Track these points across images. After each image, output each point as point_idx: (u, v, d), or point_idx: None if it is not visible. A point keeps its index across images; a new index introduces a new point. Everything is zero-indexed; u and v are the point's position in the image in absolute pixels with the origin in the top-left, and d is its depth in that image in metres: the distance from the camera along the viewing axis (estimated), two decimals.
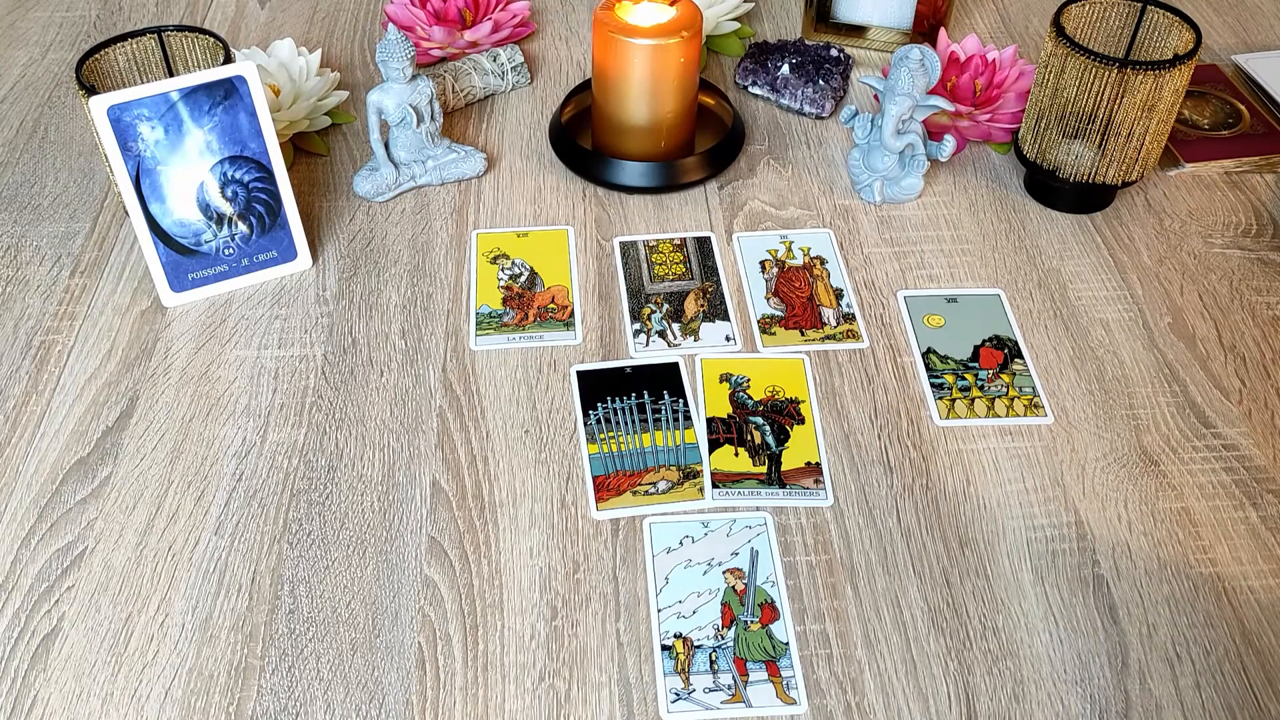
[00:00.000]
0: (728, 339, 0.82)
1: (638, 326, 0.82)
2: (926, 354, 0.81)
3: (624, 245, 0.89)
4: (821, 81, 1.02)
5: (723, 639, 0.64)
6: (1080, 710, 0.62)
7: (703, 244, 0.89)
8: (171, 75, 0.89)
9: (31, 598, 0.66)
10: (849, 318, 0.83)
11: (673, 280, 0.86)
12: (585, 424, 0.76)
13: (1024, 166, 0.93)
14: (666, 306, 0.84)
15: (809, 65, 1.03)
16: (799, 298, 0.85)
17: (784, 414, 0.76)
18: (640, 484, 0.72)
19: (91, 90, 0.79)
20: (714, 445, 0.75)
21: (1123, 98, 0.83)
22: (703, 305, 0.84)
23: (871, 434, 0.75)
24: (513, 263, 0.87)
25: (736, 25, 1.11)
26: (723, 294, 0.85)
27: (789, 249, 0.89)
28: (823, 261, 0.88)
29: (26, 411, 0.76)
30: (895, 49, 0.98)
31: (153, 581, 0.67)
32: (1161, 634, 0.65)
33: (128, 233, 0.90)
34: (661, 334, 0.82)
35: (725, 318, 0.83)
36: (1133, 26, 0.90)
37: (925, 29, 1.08)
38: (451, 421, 0.76)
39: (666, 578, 0.67)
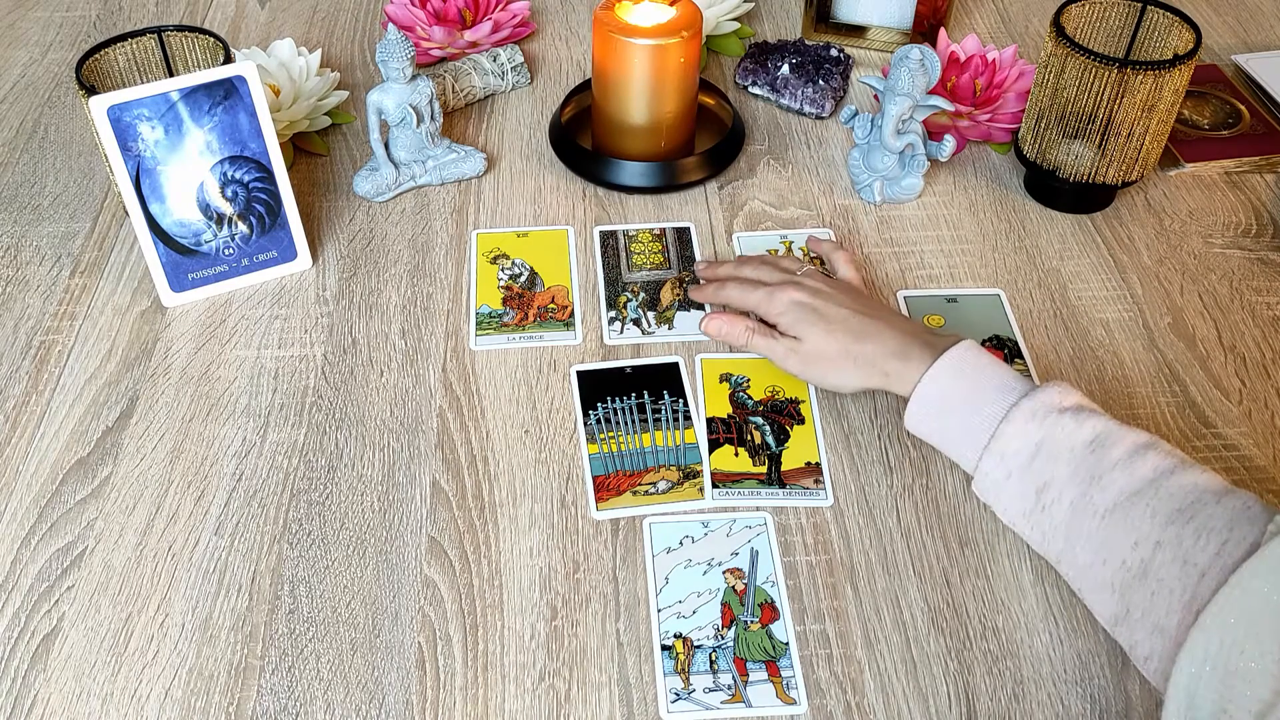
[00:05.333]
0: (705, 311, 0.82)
1: (613, 314, 0.83)
2: None
3: (604, 235, 0.89)
4: (821, 81, 1.02)
5: (723, 639, 0.64)
6: (1080, 710, 0.62)
7: (681, 234, 0.89)
8: (171, 75, 0.89)
9: (31, 598, 0.66)
10: None
11: (650, 270, 0.86)
12: (585, 424, 0.76)
13: (1024, 166, 0.93)
14: (643, 295, 0.84)
15: (809, 65, 1.03)
16: None
17: (784, 414, 0.76)
18: (640, 484, 0.72)
19: (91, 90, 0.79)
20: (714, 445, 0.75)
21: (1123, 98, 0.83)
22: (678, 294, 0.85)
23: (871, 434, 0.75)
24: (513, 263, 0.87)
25: (736, 25, 1.11)
26: (699, 283, 0.85)
27: (789, 249, 0.89)
28: (822, 261, 0.88)
29: (26, 411, 0.76)
30: (895, 49, 0.98)
31: (153, 581, 0.67)
32: None
33: (128, 233, 0.90)
34: (636, 322, 0.82)
35: (700, 307, 0.83)
36: (1133, 26, 0.90)
37: (925, 29, 1.08)
38: (451, 421, 0.76)
39: (666, 578, 0.67)
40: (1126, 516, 0.59)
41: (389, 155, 0.92)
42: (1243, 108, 1.02)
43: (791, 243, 0.89)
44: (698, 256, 0.88)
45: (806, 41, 1.08)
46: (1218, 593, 0.52)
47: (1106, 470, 0.60)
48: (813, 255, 0.87)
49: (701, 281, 0.84)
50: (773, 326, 0.76)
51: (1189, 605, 0.55)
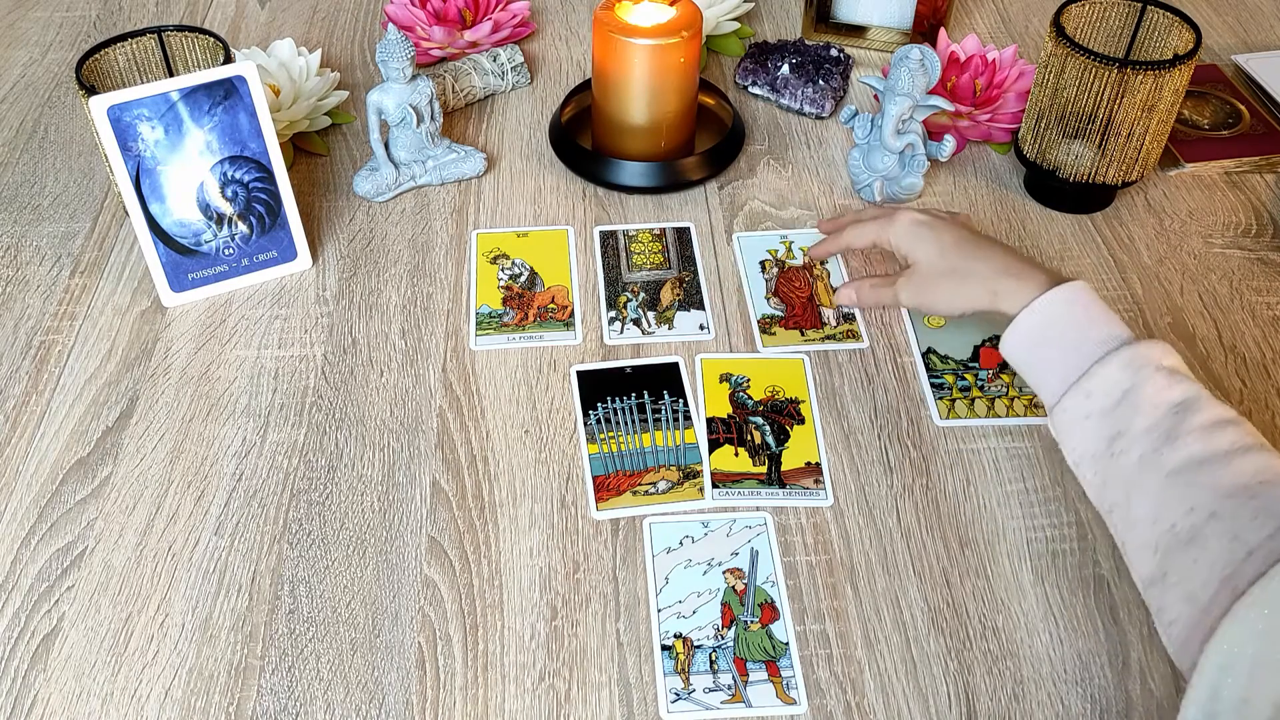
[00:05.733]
0: (701, 328, 0.82)
1: (613, 314, 0.83)
2: (926, 354, 0.81)
3: (604, 235, 0.89)
4: (821, 81, 1.02)
5: (723, 639, 0.64)
6: (1080, 710, 0.62)
7: (681, 234, 0.90)
8: (171, 75, 0.89)
9: (31, 598, 0.66)
10: (849, 317, 0.83)
11: (650, 270, 0.86)
12: (585, 424, 0.76)
13: (1024, 166, 0.93)
14: (643, 295, 0.84)
15: (809, 65, 1.03)
16: (799, 298, 0.85)
17: (784, 414, 0.76)
18: (640, 484, 0.72)
19: (91, 90, 0.79)
20: (714, 445, 0.75)
21: (1123, 98, 0.83)
22: (678, 294, 0.85)
23: (871, 434, 0.75)
24: (513, 263, 0.87)
25: (736, 25, 1.11)
26: (699, 283, 0.85)
27: (789, 249, 0.89)
28: (823, 261, 0.88)
29: (26, 411, 0.76)
30: (895, 49, 0.98)
31: (153, 581, 0.67)
32: None
33: (128, 233, 0.90)
34: (636, 322, 0.82)
35: (700, 307, 0.84)
36: (1133, 26, 0.90)
37: (925, 29, 1.08)
38: (451, 421, 0.76)
39: (666, 578, 0.67)
40: (1190, 480, 0.58)
41: (389, 155, 0.92)
42: (1243, 108, 1.02)
43: (791, 243, 0.89)
44: (698, 256, 0.88)
45: (806, 41, 1.08)
46: (1255, 583, 0.52)
47: (1184, 433, 0.60)
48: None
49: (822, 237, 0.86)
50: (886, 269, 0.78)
51: (1227, 580, 0.54)
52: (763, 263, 0.88)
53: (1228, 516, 0.56)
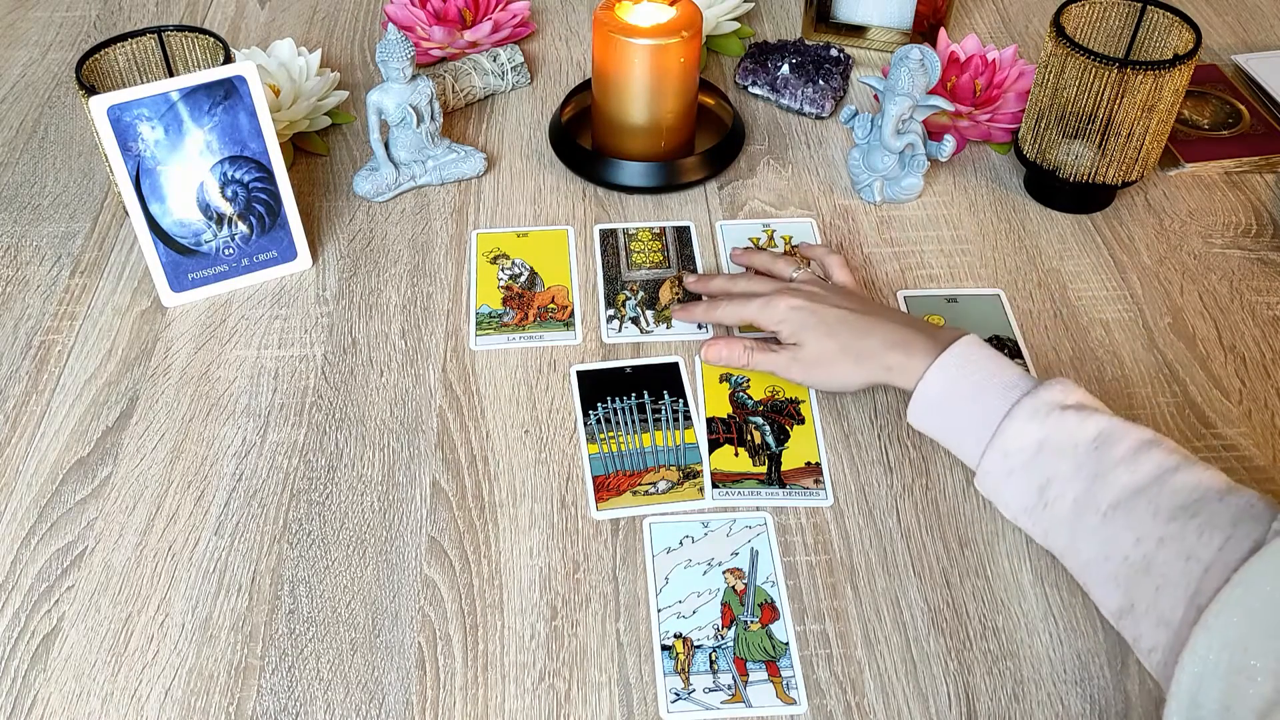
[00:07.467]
0: (701, 327, 0.82)
1: (611, 312, 0.83)
2: None
3: (604, 233, 0.89)
4: (821, 81, 1.02)
5: (723, 639, 0.64)
6: (1080, 710, 0.62)
7: (681, 233, 0.90)
8: (171, 75, 0.89)
9: (31, 598, 0.66)
10: None
11: (650, 268, 0.86)
12: (585, 424, 0.76)
13: (1024, 166, 0.93)
14: (641, 294, 0.84)
15: (809, 65, 1.03)
16: None
17: (784, 414, 0.76)
18: (640, 484, 0.72)
19: (91, 90, 0.79)
20: (714, 445, 0.75)
21: (1123, 98, 0.83)
22: (677, 293, 0.85)
23: (871, 434, 0.75)
24: (513, 263, 0.87)
25: (736, 25, 1.11)
26: None
27: (770, 237, 0.89)
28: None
29: (26, 411, 0.76)
30: (895, 49, 0.98)
31: (153, 581, 0.67)
32: None
33: (128, 233, 0.90)
34: (635, 320, 0.82)
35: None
36: (1133, 26, 0.90)
37: (925, 29, 1.08)
38: (451, 421, 0.76)
39: (666, 578, 0.67)
40: (1129, 513, 0.59)
41: (389, 155, 0.92)
42: (1243, 108, 1.02)
43: (774, 230, 0.89)
44: (698, 256, 0.88)
45: (806, 41, 1.08)
46: (1220, 591, 0.52)
47: (1110, 468, 0.60)
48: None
49: (687, 296, 0.84)
50: (773, 337, 0.76)
51: (1192, 599, 0.55)
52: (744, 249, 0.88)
53: (1174, 539, 0.57)
